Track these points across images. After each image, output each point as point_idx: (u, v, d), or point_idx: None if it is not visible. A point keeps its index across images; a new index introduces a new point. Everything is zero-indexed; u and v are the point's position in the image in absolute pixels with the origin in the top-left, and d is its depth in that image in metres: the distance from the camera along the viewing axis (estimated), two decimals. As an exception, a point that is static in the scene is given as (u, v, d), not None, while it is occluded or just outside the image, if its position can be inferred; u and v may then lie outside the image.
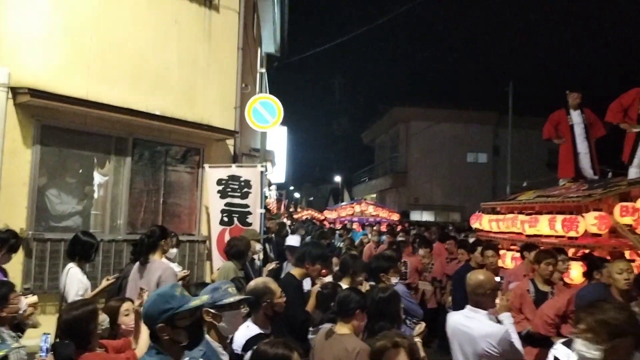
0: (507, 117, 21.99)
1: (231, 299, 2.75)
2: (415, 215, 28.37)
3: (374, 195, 33.82)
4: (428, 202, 29.21)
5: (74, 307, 3.05)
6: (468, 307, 3.54)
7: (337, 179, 45.31)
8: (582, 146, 7.61)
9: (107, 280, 4.80)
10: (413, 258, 8.60)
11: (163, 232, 4.77)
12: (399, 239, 10.58)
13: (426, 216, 28.78)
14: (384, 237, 11.46)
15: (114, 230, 6.73)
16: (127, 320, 3.45)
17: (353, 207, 21.23)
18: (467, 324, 3.46)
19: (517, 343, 3.42)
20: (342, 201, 29.27)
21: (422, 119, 28.82)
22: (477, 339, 3.36)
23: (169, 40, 7.18)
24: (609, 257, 5.31)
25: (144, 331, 3.03)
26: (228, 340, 3.00)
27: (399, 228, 14.91)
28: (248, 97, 8.06)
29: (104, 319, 3.26)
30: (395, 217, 21.10)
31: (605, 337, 2.25)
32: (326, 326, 3.56)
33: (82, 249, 4.67)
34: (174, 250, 6.10)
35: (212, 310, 2.73)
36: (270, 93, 11.06)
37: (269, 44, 14.20)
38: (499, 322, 3.54)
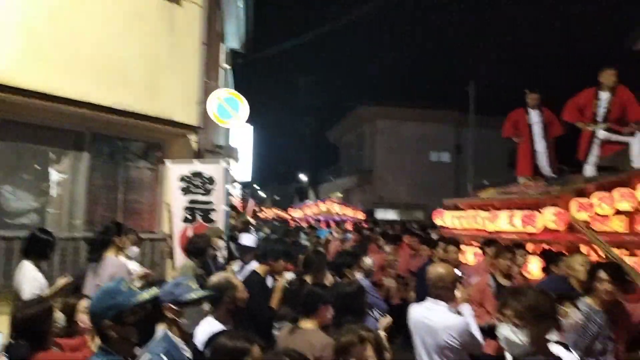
0: (469, 117, 22.41)
1: (193, 295, 2.70)
2: (380, 214, 28.61)
3: (340, 194, 33.93)
4: (393, 201, 29.50)
5: (28, 305, 2.96)
6: (429, 299, 3.59)
7: (303, 177, 45.27)
8: (540, 145, 7.80)
9: (64, 278, 4.65)
10: (378, 255, 8.66)
11: (118, 229, 4.68)
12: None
13: (391, 214, 29.06)
14: (349, 235, 11.52)
15: (72, 228, 6.54)
16: (85, 318, 3.36)
17: (319, 206, 21.30)
18: (429, 316, 3.51)
19: (477, 334, 3.49)
20: (308, 200, 29.28)
21: (387, 118, 29.16)
22: (438, 331, 3.41)
23: (130, 33, 7.00)
24: (566, 252, 5.47)
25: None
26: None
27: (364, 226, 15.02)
28: (212, 92, 7.95)
29: (59, 317, 3.16)
30: (361, 215, 21.26)
31: (532, 321, 2.32)
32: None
33: (38, 247, 4.52)
34: (135, 249, 5.97)
35: (173, 307, 2.68)
36: (235, 90, 10.96)
37: (234, 39, 14.04)
38: (459, 313, 3.59)
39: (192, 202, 7.06)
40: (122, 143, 7.16)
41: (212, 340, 3.06)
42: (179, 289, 2.73)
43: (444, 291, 3.53)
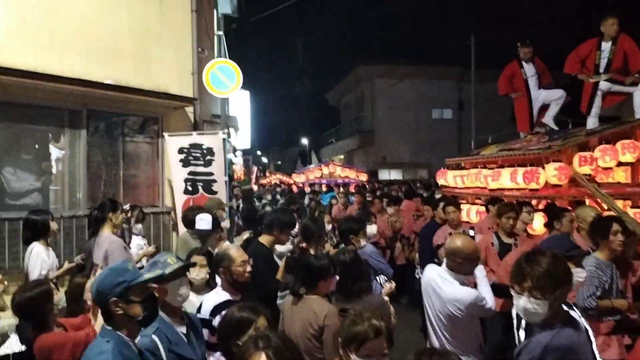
0: (470, 72, 22.04)
1: (168, 270, 2.66)
2: (384, 174, 28.61)
3: (342, 156, 33.86)
4: (395, 161, 29.43)
5: (28, 288, 2.98)
6: (444, 266, 3.57)
7: (304, 141, 45.09)
8: (539, 97, 7.61)
9: (69, 262, 4.65)
10: (381, 218, 8.64)
11: (113, 205, 4.68)
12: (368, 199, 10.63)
13: (394, 174, 29.05)
14: (352, 198, 11.49)
15: (74, 205, 6.56)
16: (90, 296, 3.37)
17: (321, 169, 21.25)
18: (439, 283, 3.51)
19: (489, 297, 3.49)
20: (310, 163, 29.21)
21: (387, 77, 28.72)
22: (445, 301, 3.43)
23: (118, 5, 6.85)
24: (569, 207, 5.44)
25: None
26: (195, 310, 3.00)
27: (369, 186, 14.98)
28: (206, 62, 7.81)
29: (59, 298, 3.18)
30: (364, 177, 21.22)
31: (550, 289, 2.27)
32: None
33: (36, 229, 4.46)
34: (138, 226, 5.98)
35: (154, 285, 2.67)
36: (229, 56, 10.79)
37: (225, 4, 13.67)
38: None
39: (192, 173, 7.04)
40: (118, 118, 7.11)
41: (218, 309, 3.11)
42: (156, 267, 2.70)
43: (458, 263, 3.49)
